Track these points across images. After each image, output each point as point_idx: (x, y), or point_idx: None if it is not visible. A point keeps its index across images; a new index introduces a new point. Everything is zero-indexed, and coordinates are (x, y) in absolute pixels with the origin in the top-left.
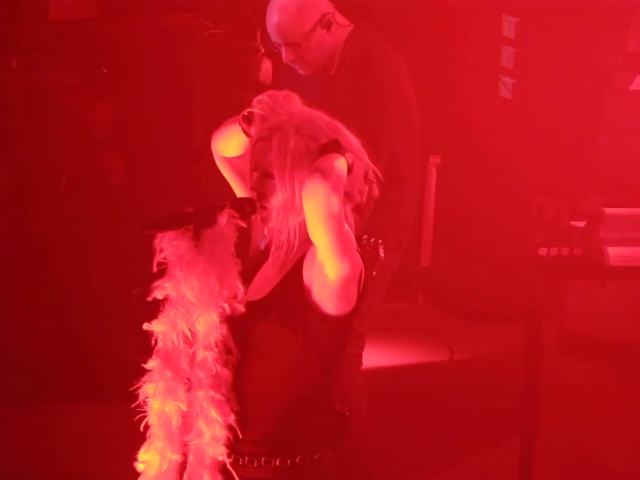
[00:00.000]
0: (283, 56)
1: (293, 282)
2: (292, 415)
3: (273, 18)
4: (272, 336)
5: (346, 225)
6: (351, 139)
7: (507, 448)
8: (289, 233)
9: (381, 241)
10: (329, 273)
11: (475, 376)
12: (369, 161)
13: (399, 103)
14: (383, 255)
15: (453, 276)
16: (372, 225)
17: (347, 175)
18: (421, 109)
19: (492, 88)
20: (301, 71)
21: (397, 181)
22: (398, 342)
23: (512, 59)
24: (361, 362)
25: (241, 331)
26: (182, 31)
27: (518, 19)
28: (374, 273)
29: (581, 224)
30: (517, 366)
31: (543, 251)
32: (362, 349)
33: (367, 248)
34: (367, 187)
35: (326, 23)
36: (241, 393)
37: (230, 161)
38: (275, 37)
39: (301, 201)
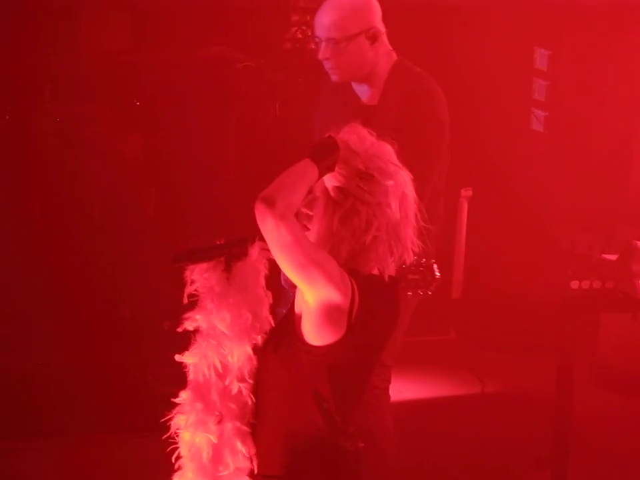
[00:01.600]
0: (320, 51)
1: (291, 310)
2: (297, 450)
3: (324, 11)
4: (268, 365)
5: (316, 249)
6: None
7: None
8: None
9: (434, 260)
10: (308, 299)
11: (506, 409)
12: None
13: (444, 136)
14: (439, 275)
15: (484, 309)
16: None
17: (321, 176)
18: (453, 141)
19: (524, 120)
20: (333, 76)
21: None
22: (429, 375)
23: (544, 91)
24: (388, 395)
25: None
26: (214, 64)
27: (550, 52)
28: (429, 293)
29: (613, 257)
30: (548, 400)
31: (574, 284)
32: (388, 381)
33: (421, 269)
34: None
35: (372, 35)
36: (256, 426)
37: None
38: (319, 30)
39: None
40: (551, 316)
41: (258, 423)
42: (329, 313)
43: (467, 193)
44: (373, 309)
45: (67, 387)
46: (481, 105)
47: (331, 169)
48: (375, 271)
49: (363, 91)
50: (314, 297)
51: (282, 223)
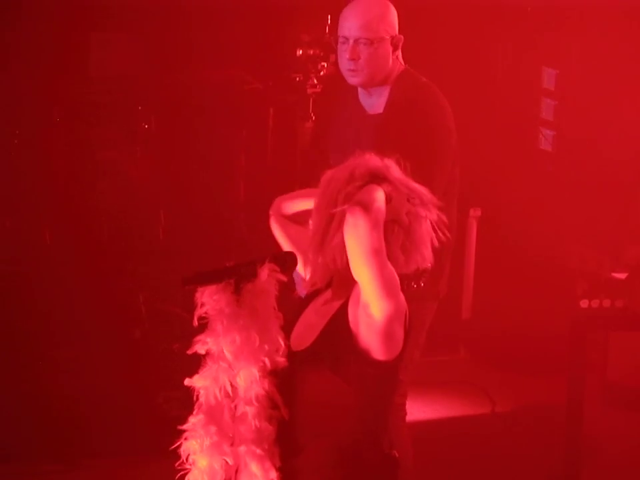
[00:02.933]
0: (348, 52)
1: (339, 327)
2: (346, 462)
3: (356, 12)
4: (324, 384)
5: (389, 265)
6: (393, 168)
7: None
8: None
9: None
10: (374, 313)
11: (517, 429)
12: (415, 186)
13: (450, 144)
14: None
15: (494, 328)
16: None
17: (387, 204)
18: (461, 161)
19: (532, 140)
20: (354, 78)
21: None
22: (439, 394)
23: (552, 111)
24: (405, 411)
25: (289, 382)
26: (223, 86)
27: (558, 71)
28: (422, 285)
29: (623, 275)
30: (559, 418)
31: (584, 303)
32: (405, 397)
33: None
34: (413, 208)
35: (396, 42)
36: (292, 444)
37: (285, 226)
38: (350, 31)
39: (332, 237)
40: (560, 335)
41: (299, 441)
42: (394, 327)
43: (475, 212)
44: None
45: (75, 409)
46: (489, 124)
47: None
48: None
49: (368, 99)
50: (384, 310)
51: (376, 228)
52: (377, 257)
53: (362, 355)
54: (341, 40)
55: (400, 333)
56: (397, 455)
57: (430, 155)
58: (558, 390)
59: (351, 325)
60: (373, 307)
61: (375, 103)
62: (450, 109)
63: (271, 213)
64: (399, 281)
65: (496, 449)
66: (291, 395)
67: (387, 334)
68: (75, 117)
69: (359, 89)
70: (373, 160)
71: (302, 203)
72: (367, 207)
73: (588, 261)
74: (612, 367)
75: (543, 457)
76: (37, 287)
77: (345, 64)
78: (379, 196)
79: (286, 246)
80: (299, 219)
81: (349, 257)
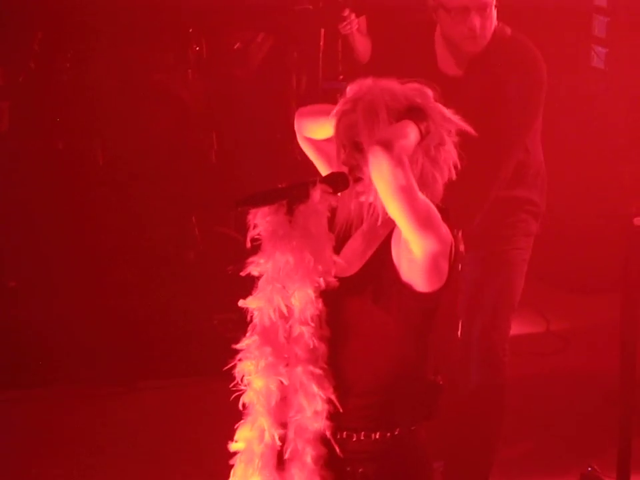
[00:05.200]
0: (473, 21)
1: (383, 259)
2: (389, 389)
3: None
4: (365, 313)
5: (423, 198)
6: (433, 103)
7: (608, 420)
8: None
9: (461, 233)
10: (414, 250)
11: (572, 347)
12: (457, 120)
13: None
14: (463, 250)
15: (547, 248)
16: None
17: (422, 139)
18: None
19: (584, 58)
20: (473, 46)
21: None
22: None
23: (604, 28)
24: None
25: (334, 307)
26: (274, 6)
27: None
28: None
29: None
30: (614, 337)
31: (638, 221)
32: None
33: None
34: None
35: (496, 6)
36: (337, 369)
37: (314, 142)
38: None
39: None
40: (614, 253)
41: (342, 366)
42: (437, 262)
43: None
44: (456, 243)
45: (132, 332)
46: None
47: (428, 132)
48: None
49: (451, 61)
50: (423, 247)
51: (399, 165)
52: (405, 194)
53: (405, 288)
54: (457, 9)
55: (444, 267)
56: (440, 382)
57: (528, 108)
58: (612, 308)
59: (394, 259)
60: (412, 245)
61: (457, 63)
62: (544, 62)
63: (296, 131)
64: (438, 215)
65: (552, 367)
66: (335, 320)
67: (430, 269)
68: (127, 40)
69: (442, 51)
70: (411, 87)
71: (323, 123)
72: (387, 146)
73: None
74: None
75: (599, 373)
76: (92, 206)
77: (463, 32)
78: (405, 132)
79: (321, 168)
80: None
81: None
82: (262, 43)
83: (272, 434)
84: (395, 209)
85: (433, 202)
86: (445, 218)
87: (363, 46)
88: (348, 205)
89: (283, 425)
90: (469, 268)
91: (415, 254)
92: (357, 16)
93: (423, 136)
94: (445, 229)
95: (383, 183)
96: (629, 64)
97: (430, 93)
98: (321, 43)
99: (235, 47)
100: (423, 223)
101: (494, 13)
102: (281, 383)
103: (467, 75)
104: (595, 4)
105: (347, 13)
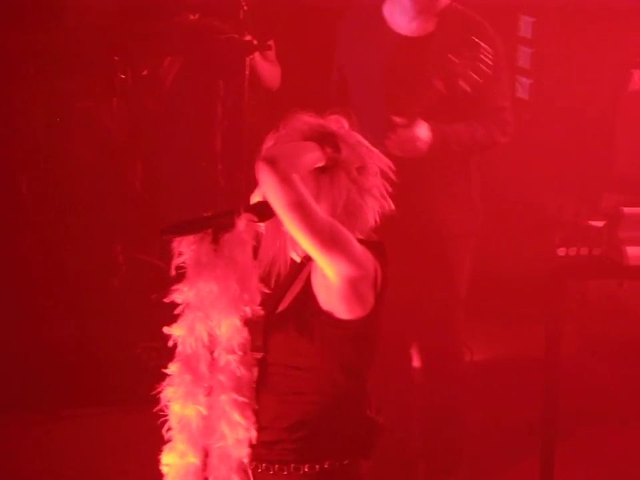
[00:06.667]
0: None
1: (306, 290)
2: (318, 422)
3: None
4: (291, 346)
5: (328, 218)
6: (346, 130)
7: (527, 449)
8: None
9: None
10: (328, 274)
11: (495, 378)
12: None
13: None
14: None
15: (472, 277)
16: None
17: (330, 161)
18: None
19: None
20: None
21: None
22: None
23: (528, 59)
24: None
25: (262, 341)
26: (199, 35)
27: (535, 19)
28: None
29: (600, 224)
30: (537, 368)
31: (561, 251)
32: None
33: None
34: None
35: None
36: (265, 401)
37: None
38: None
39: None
40: (538, 284)
41: (267, 397)
42: (356, 288)
43: None
44: (386, 275)
45: (54, 361)
46: None
47: (336, 154)
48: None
49: (409, 24)
50: (335, 270)
51: (285, 181)
52: (296, 210)
53: (325, 316)
54: None
55: (367, 294)
56: (380, 420)
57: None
58: (536, 339)
59: (314, 287)
60: (324, 267)
61: (413, 25)
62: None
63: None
64: (349, 237)
65: (474, 397)
66: (265, 355)
67: (347, 295)
68: (51, 68)
69: (394, 15)
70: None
71: None
72: (271, 161)
73: (565, 210)
74: (590, 317)
75: (521, 404)
76: (15, 235)
77: None
78: (297, 151)
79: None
80: None
81: None
82: (169, 68)
83: (188, 461)
84: (290, 226)
85: (362, 231)
86: (378, 251)
87: (269, 73)
88: (273, 234)
89: (205, 451)
90: None
91: (330, 278)
92: (264, 41)
93: (330, 158)
94: (364, 254)
95: (272, 199)
96: (553, 94)
97: (345, 122)
98: (247, 72)
99: (144, 74)
100: (326, 242)
101: None
102: (200, 412)
103: (431, 35)
104: (519, 35)
105: (248, 38)
